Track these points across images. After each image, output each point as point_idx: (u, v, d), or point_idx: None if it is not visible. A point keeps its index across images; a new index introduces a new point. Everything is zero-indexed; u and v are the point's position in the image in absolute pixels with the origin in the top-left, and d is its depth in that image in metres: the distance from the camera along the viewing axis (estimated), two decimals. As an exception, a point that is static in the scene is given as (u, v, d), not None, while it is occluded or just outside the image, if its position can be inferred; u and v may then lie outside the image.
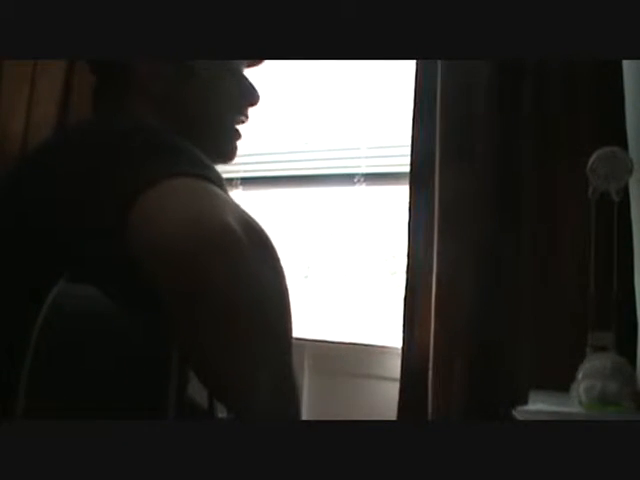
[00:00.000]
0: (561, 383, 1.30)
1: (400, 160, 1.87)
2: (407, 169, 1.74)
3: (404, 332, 1.66)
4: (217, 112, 1.04)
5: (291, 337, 0.75)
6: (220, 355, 0.69)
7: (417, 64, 1.76)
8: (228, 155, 1.06)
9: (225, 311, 0.68)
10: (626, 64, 1.53)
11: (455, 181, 1.63)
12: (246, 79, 1.08)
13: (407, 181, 1.73)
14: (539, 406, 1.22)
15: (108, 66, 0.99)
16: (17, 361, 0.65)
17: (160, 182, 0.72)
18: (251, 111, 1.10)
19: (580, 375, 1.26)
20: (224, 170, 0.87)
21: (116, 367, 0.68)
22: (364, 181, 1.99)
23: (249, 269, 0.71)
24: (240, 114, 1.08)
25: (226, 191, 0.79)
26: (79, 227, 0.73)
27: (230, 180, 2.02)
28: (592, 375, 1.23)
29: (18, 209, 0.80)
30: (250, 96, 1.09)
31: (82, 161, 0.79)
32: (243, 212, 0.75)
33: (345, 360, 1.82)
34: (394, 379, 1.67)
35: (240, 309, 0.69)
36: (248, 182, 2.13)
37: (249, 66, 1.11)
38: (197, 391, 0.72)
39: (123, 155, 0.78)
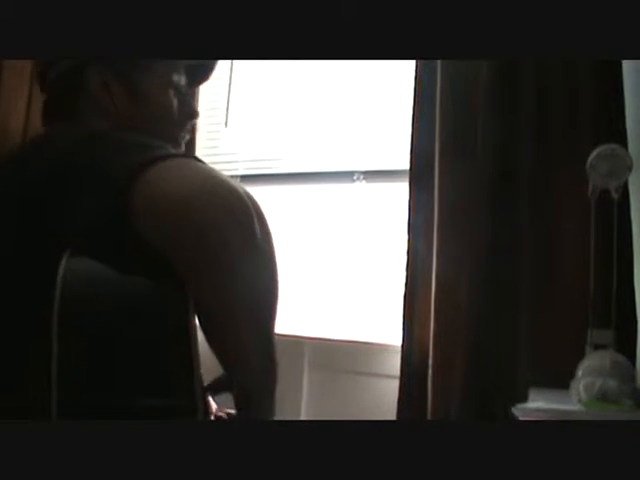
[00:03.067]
0: (561, 381, 1.30)
1: (400, 158, 1.87)
2: (407, 167, 1.74)
3: (403, 330, 1.66)
4: (165, 130, 1.09)
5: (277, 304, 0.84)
6: (228, 315, 0.76)
7: (417, 63, 1.76)
8: None
9: (235, 268, 0.75)
10: (626, 64, 1.53)
11: (455, 179, 1.63)
12: (188, 96, 1.15)
13: (407, 179, 1.73)
14: (538, 404, 1.22)
15: (62, 81, 1.04)
16: (43, 338, 0.68)
17: (155, 163, 0.78)
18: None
19: (580, 373, 1.26)
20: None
21: (136, 330, 0.72)
22: (364, 178, 1.98)
23: (255, 229, 0.79)
24: (183, 130, 1.15)
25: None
26: (79, 211, 0.77)
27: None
28: (592, 373, 1.23)
29: (22, 195, 0.84)
30: (191, 111, 1.15)
31: (68, 156, 0.84)
32: (242, 186, 0.83)
33: (345, 358, 1.83)
34: (394, 377, 1.67)
35: (248, 265, 0.76)
36: (247, 179, 2.12)
37: (198, 83, 1.21)
38: None
39: (112, 148, 0.84)
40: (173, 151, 0.85)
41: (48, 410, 0.67)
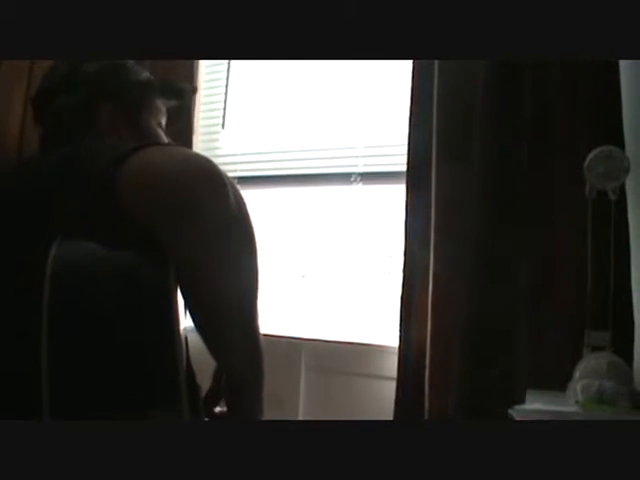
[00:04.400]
0: (558, 382, 1.30)
1: (397, 159, 1.88)
2: (404, 168, 1.74)
3: (401, 331, 1.66)
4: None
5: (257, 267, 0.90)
6: (210, 273, 0.81)
7: (414, 64, 1.76)
8: None
9: (214, 229, 0.81)
10: (623, 64, 1.53)
11: (452, 180, 1.63)
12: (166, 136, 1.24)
13: (404, 180, 1.73)
14: (536, 405, 1.22)
15: (68, 114, 1.10)
16: (34, 316, 0.71)
17: (139, 149, 0.84)
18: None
19: (577, 374, 1.26)
20: None
21: (123, 302, 0.76)
22: (361, 180, 1.99)
23: (230, 196, 0.84)
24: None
25: None
26: (69, 199, 0.83)
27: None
28: (589, 374, 1.24)
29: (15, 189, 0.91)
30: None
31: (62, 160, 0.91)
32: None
33: (342, 359, 1.83)
34: (391, 378, 1.67)
35: (225, 228, 0.82)
36: (245, 181, 2.12)
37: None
38: None
39: (102, 146, 0.92)
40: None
41: (39, 392, 0.68)
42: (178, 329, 0.76)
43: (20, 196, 0.89)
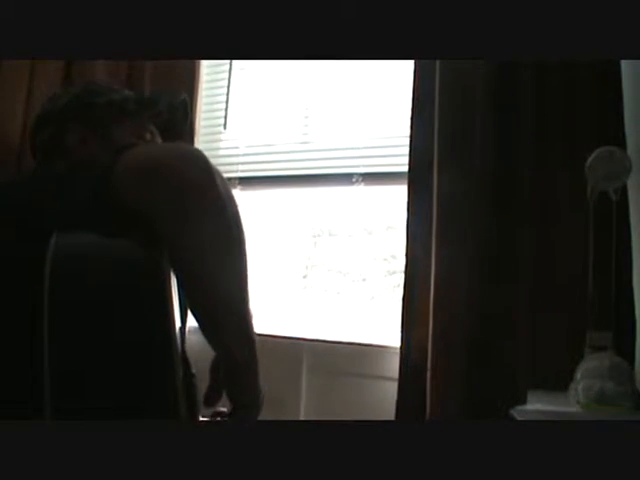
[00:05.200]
0: (559, 383, 1.30)
1: (398, 160, 1.87)
2: (405, 169, 1.74)
3: (402, 332, 1.66)
4: None
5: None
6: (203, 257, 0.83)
7: (415, 64, 1.76)
8: None
9: (209, 214, 0.84)
10: (625, 64, 1.53)
11: (453, 181, 1.63)
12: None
13: (405, 181, 1.73)
14: (537, 406, 1.22)
15: (46, 143, 1.23)
16: (37, 308, 0.73)
17: (134, 145, 0.89)
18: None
19: (578, 375, 1.26)
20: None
21: (122, 293, 0.78)
22: (362, 181, 1.98)
23: (217, 177, 0.88)
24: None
25: None
26: (66, 195, 0.85)
27: (228, 180, 2.01)
28: (590, 375, 1.23)
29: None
30: None
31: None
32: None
33: (343, 360, 1.82)
34: (392, 379, 1.67)
35: (218, 213, 0.86)
36: (246, 182, 2.12)
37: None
38: None
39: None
40: None
41: (40, 389, 0.70)
42: (172, 317, 0.77)
43: (18, 199, 0.91)
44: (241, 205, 0.94)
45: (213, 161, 0.90)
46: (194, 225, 0.83)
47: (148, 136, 1.26)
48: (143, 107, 1.28)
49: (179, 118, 1.37)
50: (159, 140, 1.30)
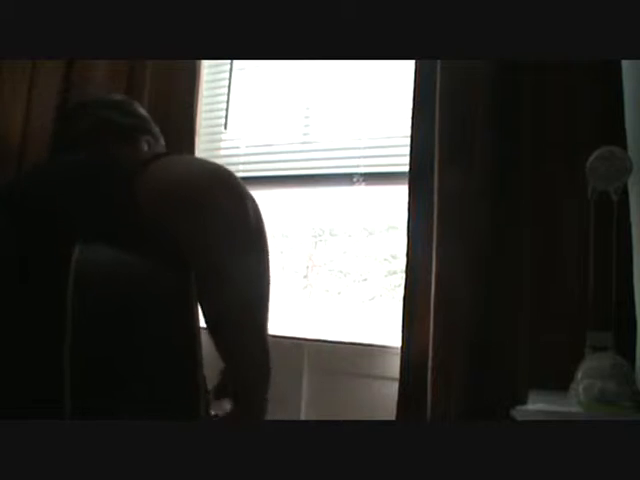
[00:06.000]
0: (560, 383, 1.30)
1: (399, 160, 1.87)
2: (406, 169, 1.74)
3: (403, 332, 1.66)
4: None
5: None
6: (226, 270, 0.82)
7: (416, 64, 1.76)
8: None
9: (232, 233, 0.83)
10: (626, 64, 1.53)
11: (454, 181, 1.63)
12: None
13: (406, 181, 1.73)
14: (538, 406, 1.22)
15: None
16: (60, 316, 0.74)
17: (158, 158, 0.86)
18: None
19: (579, 375, 1.26)
20: None
21: (145, 305, 0.79)
22: (363, 181, 1.98)
23: (248, 202, 0.88)
24: None
25: None
26: (90, 202, 0.84)
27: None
28: (591, 375, 1.23)
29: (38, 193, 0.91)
30: None
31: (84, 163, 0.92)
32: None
33: (344, 359, 1.82)
34: (393, 378, 1.67)
35: (241, 233, 0.85)
36: (247, 182, 2.12)
37: None
38: None
39: (118, 155, 0.98)
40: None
41: (61, 393, 0.70)
42: (198, 333, 0.77)
43: (41, 200, 0.89)
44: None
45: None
46: (221, 247, 0.82)
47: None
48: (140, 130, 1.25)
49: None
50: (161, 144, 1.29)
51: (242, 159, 2.17)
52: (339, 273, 2.05)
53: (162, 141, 1.27)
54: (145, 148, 1.17)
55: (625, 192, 1.42)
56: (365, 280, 2.01)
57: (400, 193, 1.82)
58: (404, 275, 1.69)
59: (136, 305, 0.78)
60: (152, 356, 0.76)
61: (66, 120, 1.24)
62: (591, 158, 1.34)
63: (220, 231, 0.82)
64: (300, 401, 1.84)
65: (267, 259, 0.91)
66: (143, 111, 1.23)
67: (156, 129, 1.23)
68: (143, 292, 0.79)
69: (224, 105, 2.26)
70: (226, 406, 0.95)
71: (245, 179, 2.20)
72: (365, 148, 2.00)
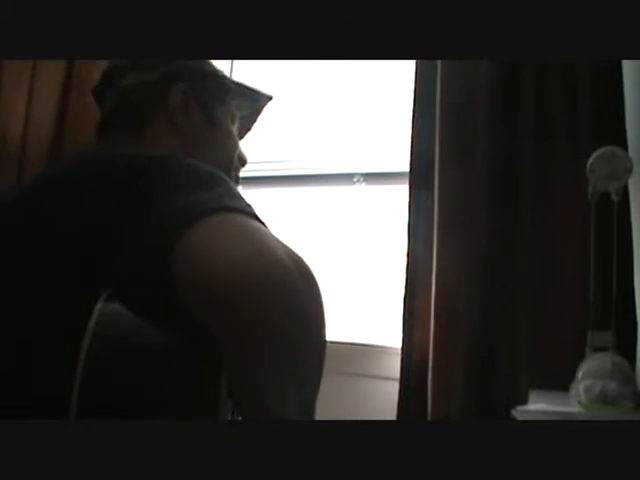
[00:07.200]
0: (561, 383, 1.30)
1: (400, 160, 1.87)
2: (407, 169, 1.74)
3: (403, 332, 1.66)
4: (227, 163, 1.12)
5: (322, 371, 0.72)
6: (272, 395, 0.66)
7: (417, 64, 1.76)
8: None
9: (281, 349, 0.65)
10: (626, 64, 1.53)
11: (455, 181, 1.63)
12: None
13: (407, 181, 1.73)
14: (539, 406, 1.22)
15: (140, 91, 1.04)
16: (68, 370, 0.64)
17: (202, 219, 0.69)
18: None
19: (580, 375, 1.26)
20: None
21: (158, 391, 0.68)
22: (363, 181, 1.98)
23: (301, 303, 0.69)
24: (236, 169, 1.18)
25: (264, 224, 0.78)
26: (126, 249, 0.72)
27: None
28: (592, 375, 1.23)
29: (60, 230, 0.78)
30: (244, 157, 1.20)
31: (125, 181, 0.78)
32: (286, 245, 0.75)
33: (345, 359, 1.82)
34: (393, 379, 1.67)
35: (294, 345, 0.66)
36: (247, 182, 2.12)
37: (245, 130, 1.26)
38: None
39: (170, 182, 0.77)
40: (226, 202, 0.75)
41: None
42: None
43: (79, 209, 0.77)
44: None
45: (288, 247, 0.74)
46: (264, 356, 0.66)
47: (235, 126, 1.16)
48: (238, 92, 1.15)
49: (255, 112, 1.27)
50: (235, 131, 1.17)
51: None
52: (339, 273, 2.05)
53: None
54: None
55: (626, 192, 1.42)
56: (365, 280, 2.01)
57: (401, 193, 1.82)
58: (404, 275, 1.69)
59: (150, 383, 0.68)
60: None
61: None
62: (591, 158, 1.34)
63: (264, 338, 0.66)
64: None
65: (319, 365, 0.72)
66: None
67: None
68: (161, 377, 0.68)
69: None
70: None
71: (244, 179, 2.20)
72: (366, 148, 2.00)
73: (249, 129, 1.30)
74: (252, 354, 0.65)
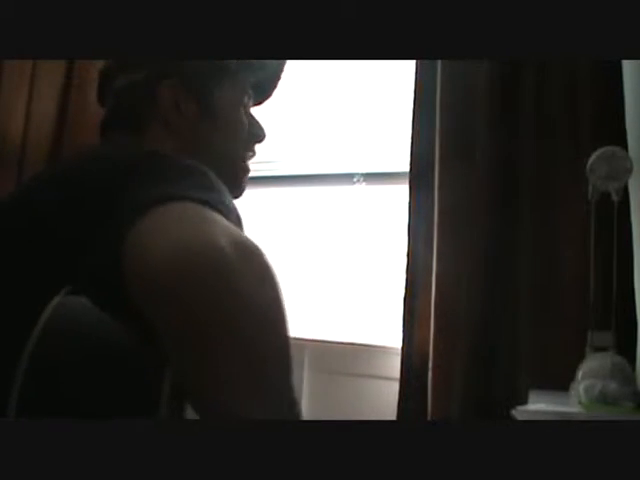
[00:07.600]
0: (561, 383, 1.30)
1: (400, 160, 1.87)
2: (407, 169, 1.74)
3: (404, 332, 1.66)
4: (234, 150, 1.10)
5: (289, 353, 0.69)
6: (218, 384, 0.64)
7: (417, 64, 1.76)
8: (240, 191, 1.13)
9: (218, 338, 0.64)
10: (626, 64, 1.53)
11: (455, 181, 1.63)
12: (254, 117, 1.15)
13: (407, 181, 1.73)
14: (539, 406, 1.22)
15: (131, 90, 1.02)
16: (12, 364, 0.64)
17: (154, 209, 0.69)
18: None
19: (580, 375, 1.26)
20: None
21: (110, 380, 0.67)
22: (363, 181, 1.98)
23: (244, 290, 0.66)
24: (249, 150, 1.14)
25: (228, 216, 0.74)
26: (85, 246, 0.72)
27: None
28: (592, 375, 1.23)
29: (31, 221, 0.78)
30: (259, 133, 1.16)
31: (92, 182, 0.78)
32: (241, 235, 0.71)
33: (345, 360, 1.82)
34: (394, 379, 1.67)
35: (236, 332, 0.64)
36: (248, 182, 2.12)
37: (256, 104, 1.19)
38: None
39: (128, 178, 0.77)
40: (189, 191, 0.73)
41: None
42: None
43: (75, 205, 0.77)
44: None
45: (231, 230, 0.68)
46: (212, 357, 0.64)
47: (242, 111, 1.10)
48: (244, 67, 1.09)
49: (271, 75, 1.21)
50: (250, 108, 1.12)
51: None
52: (339, 273, 2.05)
53: None
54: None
55: (626, 192, 1.43)
56: (365, 280, 2.01)
57: (401, 193, 1.82)
58: (404, 275, 1.69)
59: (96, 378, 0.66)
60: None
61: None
62: (591, 158, 1.34)
63: (207, 331, 0.64)
64: (300, 401, 1.84)
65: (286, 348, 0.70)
66: None
67: None
68: (109, 364, 0.67)
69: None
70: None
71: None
72: (366, 148, 2.00)
73: (269, 95, 1.25)
74: (189, 346, 0.64)
